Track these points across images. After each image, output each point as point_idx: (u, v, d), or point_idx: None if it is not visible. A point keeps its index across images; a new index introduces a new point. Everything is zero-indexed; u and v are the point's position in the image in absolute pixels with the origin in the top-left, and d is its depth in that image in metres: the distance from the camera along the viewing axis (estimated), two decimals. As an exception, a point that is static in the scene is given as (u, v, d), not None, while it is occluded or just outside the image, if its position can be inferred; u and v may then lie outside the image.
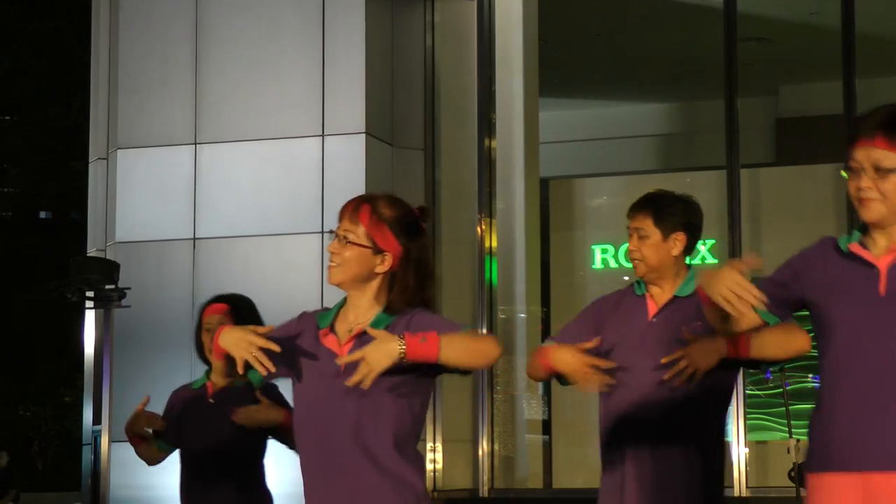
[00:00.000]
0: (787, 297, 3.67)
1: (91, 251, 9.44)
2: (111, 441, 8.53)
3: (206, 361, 5.62)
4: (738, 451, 8.84)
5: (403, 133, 9.04)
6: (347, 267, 3.88)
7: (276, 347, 3.78)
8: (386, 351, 3.64)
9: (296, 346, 3.91)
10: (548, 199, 10.48)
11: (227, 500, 5.49)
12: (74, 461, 18.26)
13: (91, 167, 9.55)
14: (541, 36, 9.87)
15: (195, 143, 8.89)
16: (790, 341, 4.19)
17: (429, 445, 8.95)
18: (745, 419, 8.88)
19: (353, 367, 3.70)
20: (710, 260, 10.40)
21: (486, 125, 9.27)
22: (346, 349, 3.83)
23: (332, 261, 3.88)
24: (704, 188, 10.33)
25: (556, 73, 11.21)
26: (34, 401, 24.38)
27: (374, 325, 3.83)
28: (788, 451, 7.48)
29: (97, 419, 8.07)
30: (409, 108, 9.10)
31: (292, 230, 8.60)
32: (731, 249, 9.00)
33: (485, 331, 8.79)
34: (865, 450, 3.46)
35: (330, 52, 8.72)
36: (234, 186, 8.69)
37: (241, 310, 5.50)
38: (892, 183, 3.49)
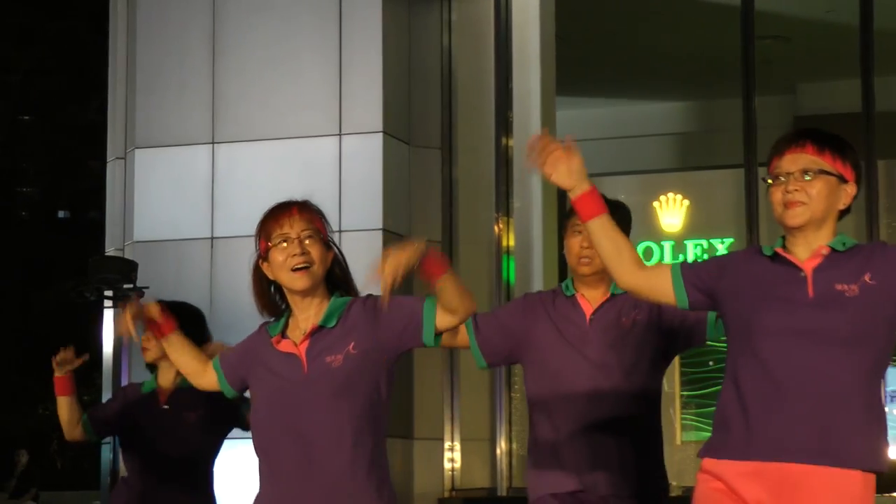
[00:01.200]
0: (702, 287, 3.78)
1: (109, 250, 9.46)
2: (129, 440, 8.55)
3: (150, 367, 5.72)
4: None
5: (420, 132, 9.04)
6: (317, 266, 3.92)
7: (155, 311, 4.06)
8: (412, 247, 3.67)
9: (252, 358, 3.98)
10: (565, 197, 10.45)
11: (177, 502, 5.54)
12: (93, 460, 18.30)
13: (109, 166, 9.57)
14: (558, 34, 9.86)
15: (212, 143, 8.90)
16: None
17: (447, 444, 8.95)
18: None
19: (318, 365, 3.81)
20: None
21: (504, 124, 9.26)
22: (304, 347, 3.86)
23: (299, 265, 3.89)
24: (722, 187, 10.33)
25: (573, 71, 11.19)
26: (53, 400, 24.43)
27: (329, 315, 3.87)
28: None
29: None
30: (427, 107, 9.10)
31: (310, 229, 8.60)
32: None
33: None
34: (780, 441, 3.61)
35: (347, 51, 8.73)
36: (252, 185, 8.69)
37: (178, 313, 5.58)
38: (817, 187, 3.68)
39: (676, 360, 10.06)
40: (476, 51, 9.34)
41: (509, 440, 9.14)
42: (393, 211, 8.62)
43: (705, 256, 10.56)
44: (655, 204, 10.95)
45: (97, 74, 15.26)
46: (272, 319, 4.03)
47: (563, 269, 10.27)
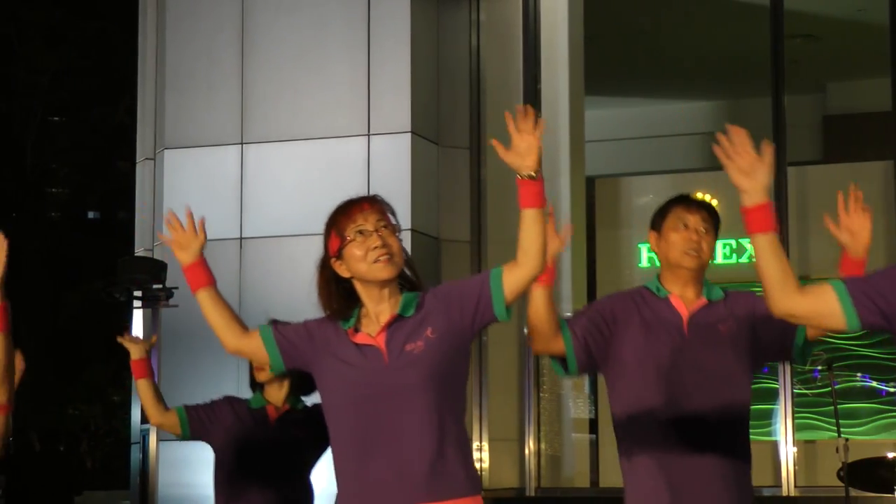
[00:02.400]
0: (880, 305, 3.46)
1: (138, 251, 9.49)
2: (159, 440, 8.58)
3: (255, 385, 5.60)
4: (787, 451, 8.79)
5: (449, 132, 9.04)
6: (398, 256, 3.91)
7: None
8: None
9: (322, 346, 3.94)
10: (594, 197, 10.46)
11: None
12: (123, 460, 18.35)
13: (138, 167, 9.60)
14: (586, 34, 9.85)
15: (241, 143, 8.92)
16: None
17: (475, 444, 8.95)
18: (794, 418, 8.83)
19: (399, 354, 3.79)
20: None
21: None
22: (382, 337, 3.86)
23: (383, 252, 3.87)
24: (751, 186, 10.28)
25: (601, 71, 11.18)
26: (83, 400, 24.53)
27: (405, 305, 3.87)
28: (837, 451, 7.43)
29: (145, 418, 8.10)
30: (455, 107, 9.10)
31: (338, 229, 8.61)
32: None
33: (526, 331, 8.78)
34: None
35: (375, 51, 8.73)
36: (280, 186, 8.71)
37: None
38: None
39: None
40: (504, 51, 9.33)
41: (538, 440, 9.14)
42: (421, 211, 8.62)
43: (734, 256, 10.53)
44: (684, 204, 10.91)
45: (126, 75, 15.31)
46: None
47: (591, 269, 10.26)
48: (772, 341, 4.40)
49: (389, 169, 8.59)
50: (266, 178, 8.79)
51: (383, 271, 3.87)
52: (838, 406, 7.79)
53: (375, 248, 3.87)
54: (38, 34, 21.95)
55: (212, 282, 4.14)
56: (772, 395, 9.32)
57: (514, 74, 9.31)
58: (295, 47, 8.89)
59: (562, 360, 4.48)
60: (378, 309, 3.90)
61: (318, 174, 8.70)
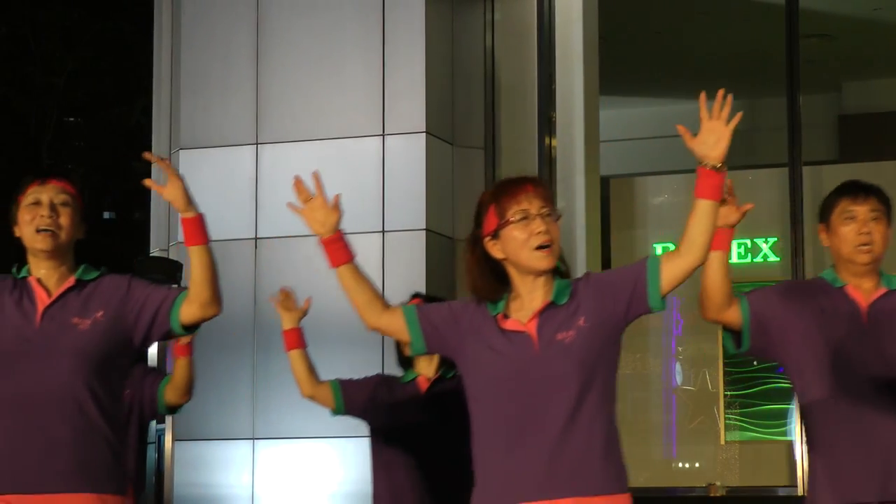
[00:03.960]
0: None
1: (154, 251, 9.50)
2: (175, 440, 8.59)
3: (405, 362, 5.52)
4: (802, 450, 8.78)
5: (464, 132, 9.04)
6: (557, 245, 3.83)
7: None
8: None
9: (468, 331, 3.85)
10: (609, 197, 10.44)
11: (438, 495, 5.33)
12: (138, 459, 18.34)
13: (154, 168, 9.62)
14: (601, 34, 9.84)
15: (256, 144, 8.93)
16: None
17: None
18: (809, 418, 8.81)
19: (549, 342, 3.73)
20: (773, 258, 10.34)
21: (547, 124, 9.25)
22: (534, 325, 3.77)
23: (545, 243, 3.78)
24: (766, 186, 10.27)
25: (616, 70, 11.17)
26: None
27: (559, 292, 3.79)
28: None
29: (161, 418, 8.13)
30: (470, 107, 9.10)
31: (353, 229, 8.53)
32: (794, 247, 8.94)
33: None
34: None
35: (390, 51, 8.74)
36: (296, 186, 8.71)
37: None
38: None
39: (720, 360, 10.04)
40: (519, 51, 9.33)
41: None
42: (436, 211, 8.62)
43: (749, 256, 10.52)
44: (699, 203, 10.89)
45: (142, 76, 15.33)
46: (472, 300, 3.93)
47: (605, 268, 10.24)
48: None
49: (404, 169, 8.60)
50: (281, 179, 8.80)
51: (543, 261, 3.78)
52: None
53: (539, 233, 3.77)
54: (54, 35, 21.99)
55: (352, 257, 4.06)
56: (787, 395, 9.31)
57: (528, 74, 9.30)
58: (310, 48, 8.90)
59: (735, 336, 4.38)
60: (531, 295, 3.80)
61: (333, 174, 8.63)
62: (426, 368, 5.44)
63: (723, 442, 10.20)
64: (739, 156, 14.33)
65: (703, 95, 3.70)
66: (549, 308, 3.78)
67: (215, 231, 9.05)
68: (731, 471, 9.92)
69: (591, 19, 9.71)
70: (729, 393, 10.28)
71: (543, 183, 3.89)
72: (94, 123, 23.68)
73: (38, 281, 4.30)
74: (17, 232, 4.35)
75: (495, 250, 3.85)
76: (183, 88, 9.16)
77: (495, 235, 3.83)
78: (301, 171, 8.78)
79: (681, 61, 12.11)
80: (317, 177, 3.99)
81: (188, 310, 4.18)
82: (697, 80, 12.70)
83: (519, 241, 3.78)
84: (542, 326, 3.77)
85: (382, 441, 5.48)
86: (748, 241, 10.53)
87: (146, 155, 4.32)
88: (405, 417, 5.39)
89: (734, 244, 11.10)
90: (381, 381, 5.51)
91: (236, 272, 8.73)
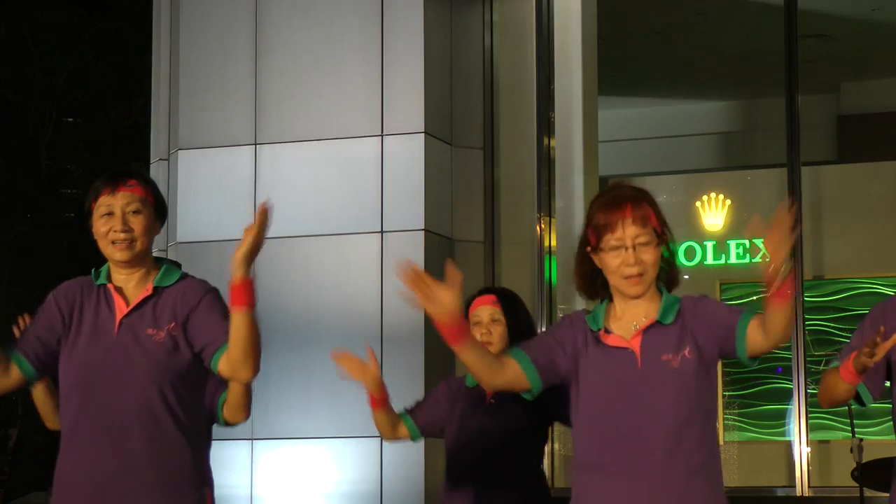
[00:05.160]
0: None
1: (153, 251, 9.49)
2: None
3: None
4: (801, 451, 8.78)
5: (462, 132, 9.05)
6: (651, 271, 3.81)
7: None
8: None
9: (573, 351, 3.83)
10: (607, 198, 10.43)
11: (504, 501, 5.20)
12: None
13: (152, 168, 9.62)
14: (599, 34, 9.85)
15: (255, 144, 8.93)
16: None
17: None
18: (808, 418, 8.82)
19: (653, 361, 3.70)
20: (772, 258, 10.33)
21: (545, 124, 9.26)
22: (637, 342, 3.76)
23: (635, 270, 3.77)
24: (765, 186, 10.27)
25: (615, 71, 11.18)
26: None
27: (665, 311, 3.78)
28: (851, 451, 7.42)
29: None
30: (468, 108, 9.10)
31: (352, 230, 8.62)
32: (792, 248, 8.93)
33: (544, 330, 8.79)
34: None
35: (389, 51, 8.74)
36: (294, 187, 8.71)
37: (510, 301, 5.35)
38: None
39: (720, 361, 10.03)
40: (518, 51, 9.33)
41: (551, 440, 9.14)
42: (435, 211, 8.62)
43: (747, 256, 10.52)
44: (698, 204, 10.92)
45: (141, 76, 15.34)
46: (584, 311, 3.91)
47: (605, 270, 10.24)
48: None
49: (403, 169, 8.60)
50: (279, 179, 8.80)
51: (631, 289, 3.79)
52: (853, 406, 7.77)
53: (629, 265, 3.78)
54: (53, 35, 21.99)
55: (469, 333, 3.86)
56: (786, 396, 9.31)
57: (527, 75, 9.31)
58: (308, 48, 8.90)
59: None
60: (633, 310, 3.81)
61: (332, 174, 8.71)
62: None
63: (722, 442, 10.22)
64: (738, 156, 14.40)
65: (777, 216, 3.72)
66: (655, 327, 3.78)
67: (213, 231, 9.10)
68: (730, 471, 9.93)
69: (590, 20, 9.72)
70: (728, 393, 10.29)
71: (645, 199, 3.89)
72: (93, 124, 23.67)
73: (117, 289, 4.29)
74: (94, 237, 4.35)
75: (596, 261, 3.87)
76: (182, 89, 9.16)
77: (595, 251, 3.86)
78: (300, 171, 8.82)
79: (679, 62, 12.11)
80: (451, 268, 3.78)
81: (223, 363, 4.15)
82: (696, 81, 12.74)
83: (610, 268, 3.81)
84: (646, 343, 3.77)
85: (450, 448, 5.38)
86: (746, 242, 10.54)
87: (260, 210, 4.30)
88: (469, 424, 5.31)
89: (732, 245, 11.15)
90: (446, 387, 5.40)
91: (235, 272, 8.72)
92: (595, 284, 3.89)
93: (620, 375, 3.74)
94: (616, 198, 3.88)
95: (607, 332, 3.80)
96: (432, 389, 5.46)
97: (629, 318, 3.81)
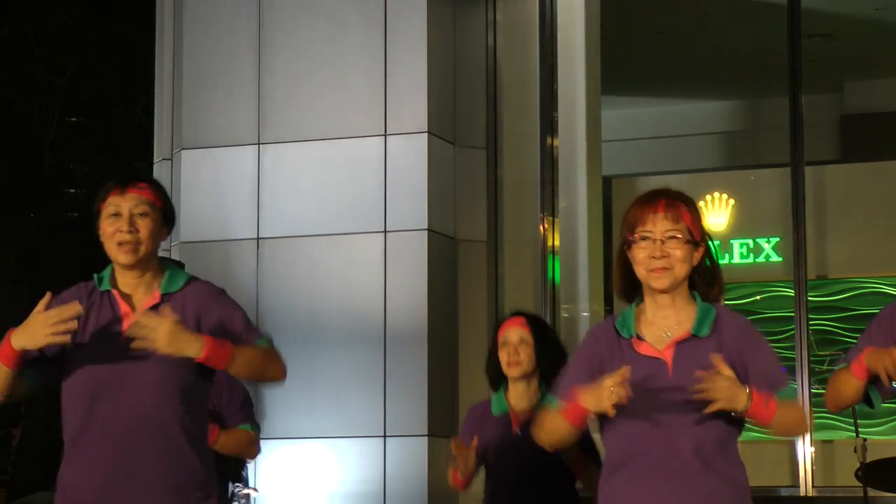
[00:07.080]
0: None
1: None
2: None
3: (496, 381, 5.40)
4: (804, 451, 8.77)
5: (466, 132, 9.04)
6: (679, 268, 3.81)
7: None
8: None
9: (600, 365, 3.83)
10: (610, 197, 10.45)
11: None
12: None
13: (155, 167, 9.62)
14: (603, 34, 9.84)
15: (258, 144, 8.93)
16: None
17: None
18: (812, 418, 8.82)
19: (685, 374, 3.68)
20: (775, 258, 10.33)
21: (549, 123, 9.25)
22: (670, 353, 3.76)
23: (661, 263, 3.78)
24: (769, 186, 10.26)
25: (618, 70, 11.17)
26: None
27: (700, 323, 3.77)
28: (855, 451, 7.41)
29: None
30: (472, 107, 9.10)
31: (355, 229, 8.62)
32: (796, 247, 8.93)
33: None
34: None
35: (392, 51, 8.74)
36: (297, 186, 8.72)
37: (537, 323, 5.43)
38: None
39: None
40: (521, 51, 9.33)
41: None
42: (438, 211, 8.62)
43: (751, 256, 10.51)
44: (701, 203, 10.91)
45: (144, 76, 15.32)
46: (613, 316, 3.92)
47: (607, 269, 10.24)
48: None
49: (406, 169, 8.60)
50: (283, 179, 8.80)
51: (656, 281, 3.79)
52: (857, 406, 7.76)
53: (654, 258, 3.78)
54: (56, 35, 22.00)
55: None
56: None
57: (530, 74, 9.30)
58: (312, 47, 8.90)
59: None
60: (662, 314, 3.81)
61: (335, 174, 8.70)
62: (519, 400, 5.36)
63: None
64: (742, 156, 14.39)
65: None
66: (690, 340, 3.77)
67: (217, 231, 9.11)
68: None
69: (593, 19, 9.71)
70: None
71: (681, 199, 3.88)
72: (96, 123, 23.68)
73: (123, 295, 4.25)
74: (101, 238, 4.31)
75: (630, 256, 3.87)
76: (185, 88, 9.16)
77: (628, 246, 3.87)
78: (303, 171, 8.82)
79: (683, 61, 12.11)
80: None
81: None
82: (700, 81, 12.73)
83: (638, 259, 3.81)
84: (678, 355, 3.76)
85: (489, 475, 5.42)
86: (750, 242, 10.53)
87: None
88: (498, 458, 5.32)
89: (736, 244, 11.15)
90: (476, 421, 5.42)
91: (238, 273, 8.73)
92: (632, 285, 3.89)
93: (651, 384, 3.74)
94: (652, 194, 3.90)
95: (640, 338, 3.81)
96: (463, 427, 5.46)
97: (660, 325, 3.81)
